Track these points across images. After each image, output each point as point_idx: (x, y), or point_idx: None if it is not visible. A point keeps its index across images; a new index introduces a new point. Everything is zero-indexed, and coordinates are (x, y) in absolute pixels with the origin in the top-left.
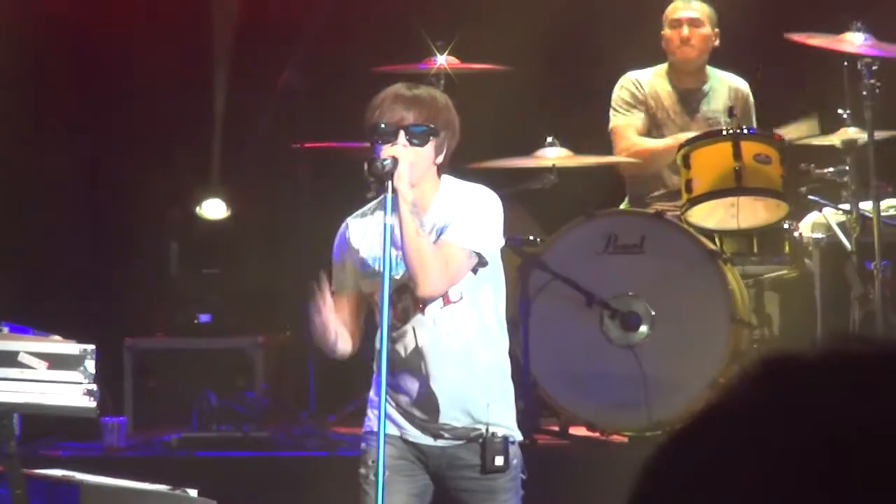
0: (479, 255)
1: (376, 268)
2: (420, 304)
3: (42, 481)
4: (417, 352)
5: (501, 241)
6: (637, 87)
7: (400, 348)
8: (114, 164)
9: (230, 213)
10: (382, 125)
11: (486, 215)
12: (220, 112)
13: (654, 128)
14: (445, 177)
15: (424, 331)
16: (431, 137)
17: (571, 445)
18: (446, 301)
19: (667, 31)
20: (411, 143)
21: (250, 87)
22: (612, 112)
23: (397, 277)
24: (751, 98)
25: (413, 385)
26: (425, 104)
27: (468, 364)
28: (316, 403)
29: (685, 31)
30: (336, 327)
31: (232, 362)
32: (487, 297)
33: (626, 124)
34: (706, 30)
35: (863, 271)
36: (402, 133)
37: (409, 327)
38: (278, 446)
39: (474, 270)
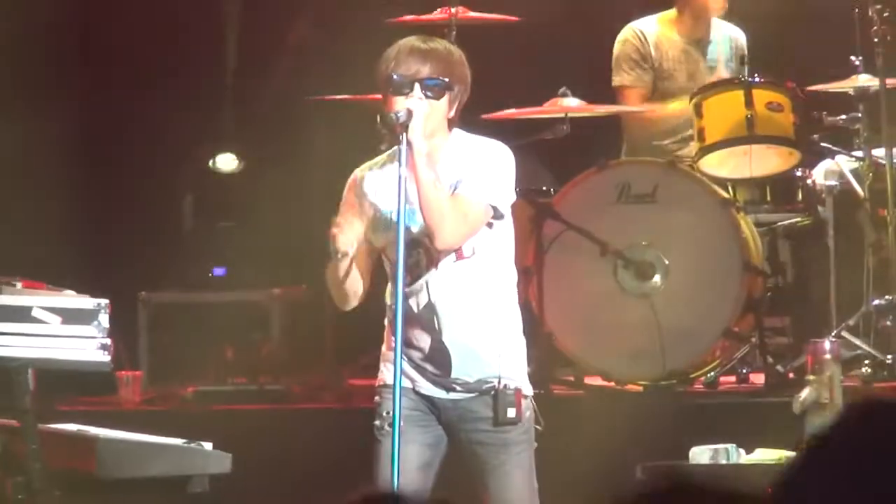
0: (494, 208)
1: (392, 219)
2: (433, 259)
3: (58, 436)
4: (430, 307)
5: (514, 196)
6: (641, 41)
7: (413, 303)
8: (127, 117)
9: (243, 167)
10: (397, 77)
11: (499, 169)
12: (233, 65)
13: (660, 79)
14: (456, 130)
15: (437, 286)
16: (446, 91)
17: (587, 395)
18: (459, 256)
19: None
20: (426, 96)
21: (263, 40)
22: (616, 68)
23: (414, 230)
24: (746, 49)
25: (425, 340)
26: (441, 57)
27: (480, 318)
28: (331, 356)
29: None
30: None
31: (247, 316)
32: (499, 252)
33: (630, 85)
34: None
35: (876, 218)
36: (417, 86)
37: (421, 282)
38: (294, 399)
39: (489, 225)
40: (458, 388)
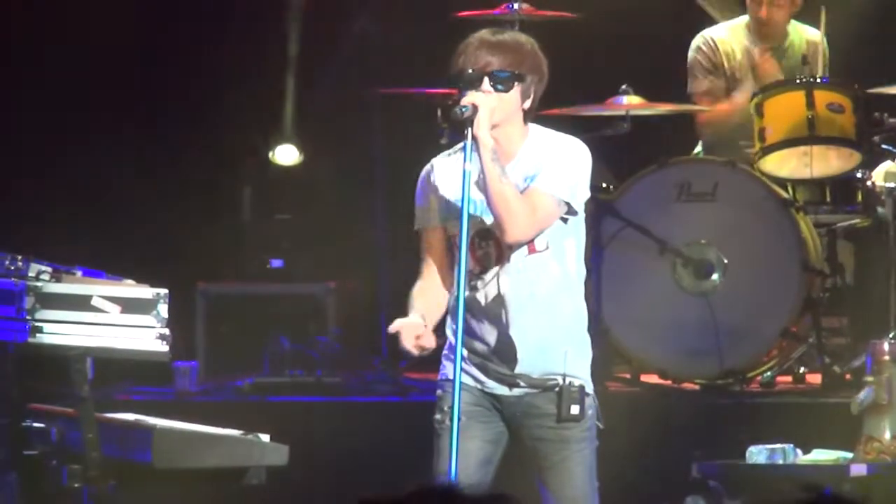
0: (567, 204)
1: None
2: (504, 252)
3: (115, 425)
4: (499, 299)
5: (588, 193)
6: (712, 49)
7: (481, 296)
8: (187, 109)
9: (303, 159)
10: (468, 71)
11: (575, 165)
12: (294, 57)
13: (733, 86)
14: (534, 126)
15: (508, 279)
16: (517, 83)
17: (643, 393)
18: (531, 249)
19: None
20: (496, 89)
21: (324, 32)
22: (690, 75)
23: (486, 223)
24: (825, 49)
25: (492, 333)
26: (510, 49)
27: (549, 313)
28: (387, 349)
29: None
30: (428, 323)
31: (304, 307)
32: (571, 248)
33: (704, 91)
34: None
35: None
36: (486, 79)
37: (492, 274)
38: (350, 391)
39: (563, 220)
40: (522, 383)
